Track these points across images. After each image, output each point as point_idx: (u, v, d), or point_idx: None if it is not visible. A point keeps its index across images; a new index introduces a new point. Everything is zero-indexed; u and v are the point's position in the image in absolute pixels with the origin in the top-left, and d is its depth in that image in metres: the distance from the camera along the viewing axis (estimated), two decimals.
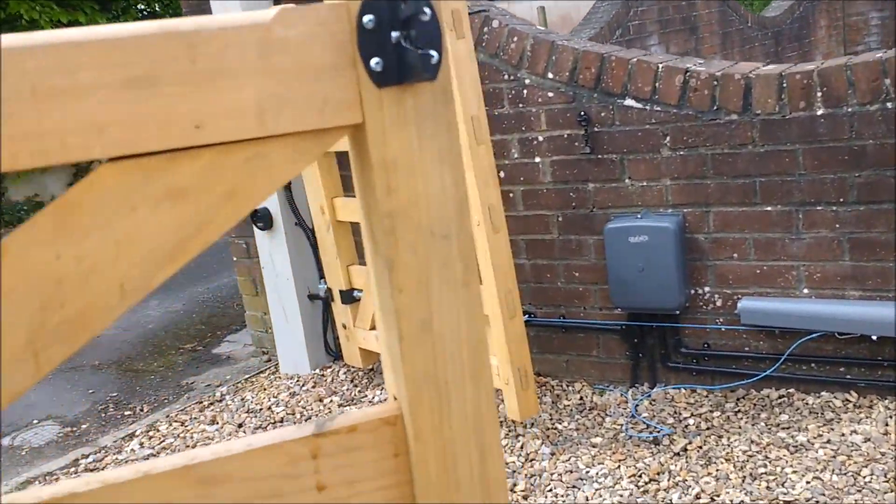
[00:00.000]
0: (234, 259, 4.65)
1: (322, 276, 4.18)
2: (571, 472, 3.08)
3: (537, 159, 3.65)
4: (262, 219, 4.13)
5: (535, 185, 3.69)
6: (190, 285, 6.20)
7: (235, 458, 0.93)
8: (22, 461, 3.90)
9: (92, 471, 3.57)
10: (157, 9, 10.83)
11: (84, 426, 4.19)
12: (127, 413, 4.27)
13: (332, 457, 0.96)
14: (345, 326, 4.08)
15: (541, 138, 3.62)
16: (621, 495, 2.88)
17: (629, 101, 3.41)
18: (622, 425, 3.35)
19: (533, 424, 3.42)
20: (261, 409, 4.00)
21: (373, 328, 3.92)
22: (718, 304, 3.45)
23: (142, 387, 4.59)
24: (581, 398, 3.66)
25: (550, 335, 3.84)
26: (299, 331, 4.27)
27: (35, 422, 4.30)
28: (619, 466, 3.06)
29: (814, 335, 3.25)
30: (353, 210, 3.80)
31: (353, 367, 4.22)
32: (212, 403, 4.15)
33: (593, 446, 3.23)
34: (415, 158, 0.92)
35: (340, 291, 4.03)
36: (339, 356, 4.39)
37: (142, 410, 4.28)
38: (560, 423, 3.44)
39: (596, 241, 3.60)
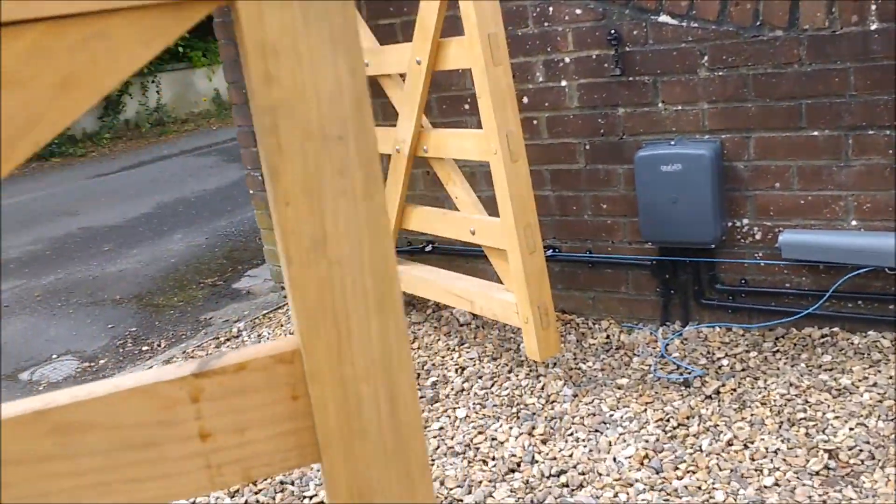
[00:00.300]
0: (251, 192, 4.56)
1: None
2: (594, 415, 2.92)
3: (563, 83, 3.42)
4: None
5: (560, 111, 3.47)
6: (214, 219, 6.15)
7: (99, 402, 0.79)
8: None
9: None
10: None
11: (102, 361, 4.18)
12: (144, 349, 4.24)
13: (217, 400, 0.82)
14: None
15: (567, 60, 3.39)
16: (647, 440, 2.71)
17: (664, 18, 3.16)
18: (650, 366, 3.18)
19: (555, 364, 3.27)
20: None
21: None
22: (758, 237, 3.22)
23: (161, 322, 4.57)
24: (607, 337, 3.48)
25: (576, 271, 3.65)
26: None
27: (54, 356, 4.31)
28: (645, 410, 2.90)
29: (861, 270, 3.03)
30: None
31: None
32: (228, 339, 4.09)
33: (619, 388, 3.06)
34: (300, 42, 0.75)
35: None
36: None
37: (159, 346, 4.25)
38: (584, 363, 3.28)
39: (626, 170, 3.39)
